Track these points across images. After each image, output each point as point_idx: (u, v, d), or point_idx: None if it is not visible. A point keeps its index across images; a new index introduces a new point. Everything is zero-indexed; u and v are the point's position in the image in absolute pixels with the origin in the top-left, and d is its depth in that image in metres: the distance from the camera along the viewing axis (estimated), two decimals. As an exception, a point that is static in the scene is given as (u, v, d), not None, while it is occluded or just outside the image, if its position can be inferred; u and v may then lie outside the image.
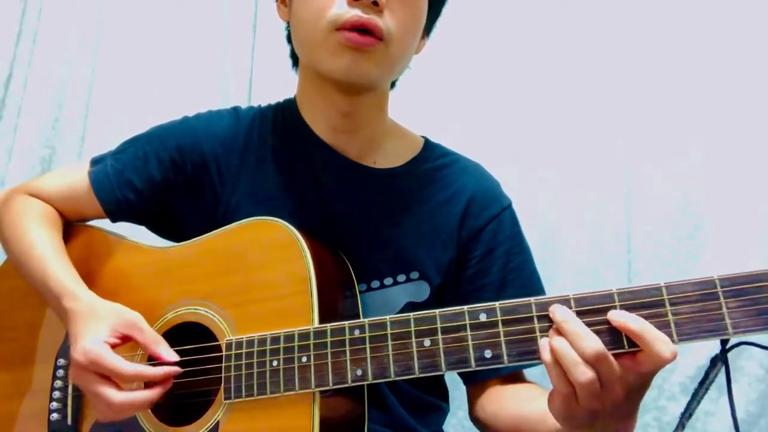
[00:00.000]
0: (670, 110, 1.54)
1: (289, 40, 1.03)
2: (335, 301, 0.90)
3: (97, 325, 0.87)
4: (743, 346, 1.49)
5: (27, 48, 1.81)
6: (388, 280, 0.99)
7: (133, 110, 1.75)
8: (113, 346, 0.86)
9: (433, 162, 1.06)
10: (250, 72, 1.77)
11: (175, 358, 0.88)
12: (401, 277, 0.99)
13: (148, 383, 0.87)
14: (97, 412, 0.88)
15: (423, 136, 1.10)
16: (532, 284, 1.01)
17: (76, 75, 1.80)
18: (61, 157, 1.77)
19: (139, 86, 1.78)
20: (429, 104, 1.61)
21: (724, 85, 1.51)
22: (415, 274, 0.99)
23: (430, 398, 1.05)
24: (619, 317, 0.67)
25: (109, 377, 0.85)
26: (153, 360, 0.89)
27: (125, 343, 0.89)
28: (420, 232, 1.00)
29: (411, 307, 0.97)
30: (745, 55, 1.51)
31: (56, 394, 0.98)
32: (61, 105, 1.79)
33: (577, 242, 1.54)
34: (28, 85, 1.79)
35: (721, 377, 0.92)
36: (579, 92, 1.59)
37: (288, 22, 1.01)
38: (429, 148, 1.08)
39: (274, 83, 1.68)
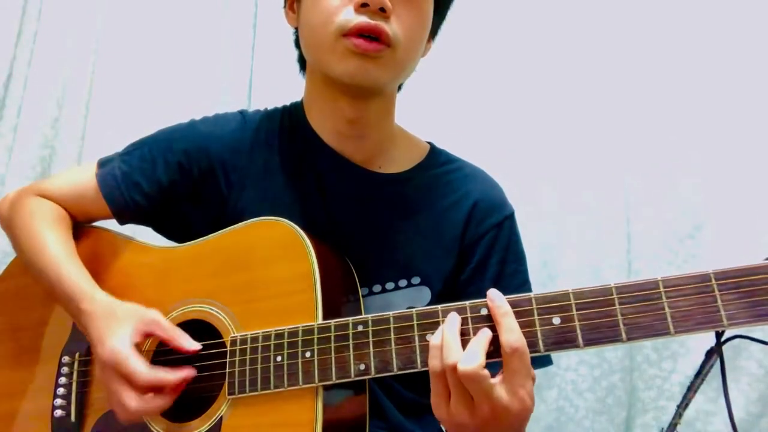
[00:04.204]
0: (670, 111, 1.55)
1: (297, 45, 1.04)
2: (338, 300, 0.90)
3: (120, 325, 0.88)
4: (742, 346, 1.49)
5: (27, 48, 1.81)
6: (390, 285, 0.99)
7: (133, 110, 1.75)
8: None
9: (438, 168, 1.06)
10: (250, 72, 1.77)
11: (197, 346, 0.89)
12: (403, 282, 0.99)
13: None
14: (114, 409, 0.88)
15: (429, 142, 1.11)
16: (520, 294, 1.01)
17: (76, 75, 1.80)
18: (60, 157, 1.76)
19: (139, 86, 1.78)
20: (433, 111, 1.60)
21: (724, 86, 1.52)
22: (416, 279, 0.99)
23: (427, 401, 1.04)
24: (490, 293, 0.74)
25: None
26: (160, 355, 0.91)
27: (147, 339, 0.91)
28: (423, 238, 1.01)
29: None
30: (745, 58, 1.52)
31: (60, 390, 0.98)
32: (61, 105, 1.79)
33: (577, 242, 1.55)
34: (28, 85, 1.78)
35: (718, 378, 0.93)
36: (580, 92, 1.60)
37: (296, 28, 1.02)
38: (434, 154, 1.08)
39: (274, 83, 1.68)
